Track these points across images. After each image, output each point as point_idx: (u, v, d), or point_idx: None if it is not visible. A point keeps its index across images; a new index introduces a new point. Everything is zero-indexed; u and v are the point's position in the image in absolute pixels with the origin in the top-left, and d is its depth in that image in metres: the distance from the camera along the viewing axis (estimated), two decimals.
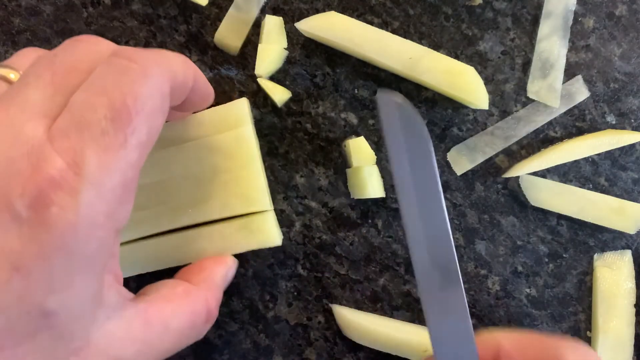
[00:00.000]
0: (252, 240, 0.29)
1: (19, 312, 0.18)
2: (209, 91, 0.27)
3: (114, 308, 0.21)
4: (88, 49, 0.21)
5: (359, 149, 0.31)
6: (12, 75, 0.23)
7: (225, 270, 0.28)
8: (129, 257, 0.30)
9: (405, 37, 0.31)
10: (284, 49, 0.31)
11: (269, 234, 0.29)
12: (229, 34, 0.31)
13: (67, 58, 0.21)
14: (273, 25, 0.31)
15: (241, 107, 0.30)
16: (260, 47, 0.31)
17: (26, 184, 0.18)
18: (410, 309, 0.32)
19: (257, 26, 0.31)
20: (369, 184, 0.30)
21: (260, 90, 0.31)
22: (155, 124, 0.21)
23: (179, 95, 0.23)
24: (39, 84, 0.20)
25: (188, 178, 0.29)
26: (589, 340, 0.31)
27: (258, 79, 0.31)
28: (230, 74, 0.32)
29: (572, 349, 0.21)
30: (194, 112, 0.29)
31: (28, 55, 0.25)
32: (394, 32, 0.31)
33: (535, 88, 0.31)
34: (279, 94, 0.31)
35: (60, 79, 0.20)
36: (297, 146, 0.32)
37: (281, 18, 0.31)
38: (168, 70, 0.22)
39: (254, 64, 0.31)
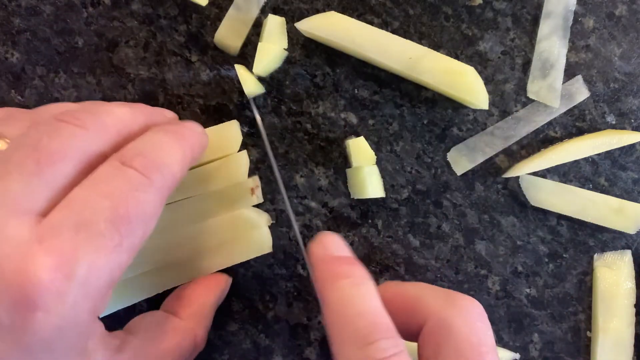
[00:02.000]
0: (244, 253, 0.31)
1: None
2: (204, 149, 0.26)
3: None
4: (73, 133, 0.20)
5: (359, 149, 0.31)
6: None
7: (216, 299, 0.28)
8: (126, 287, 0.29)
9: (405, 37, 0.31)
10: (284, 49, 0.31)
11: (261, 246, 0.31)
12: (229, 34, 0.31)
13: (52, 144, 0.20)
14: (274, 25, 0.31)
15: (241, 159, 0.31)
16: (259, 45, 0.31)
17: (9, 287, 0.17)
18: None
19: (257, 26, 0.31)
20: (369, 184, 0.30)
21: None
22: (151, 227, 0.21)
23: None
24: (22, 173, 0.19)
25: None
26: (589, 340, 0.31)
27: (236, 65, 0.31)
28: (230, 74, 0.31)
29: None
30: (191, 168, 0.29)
31: (14, 120, 0.23)
32: (394, 32, 0.31)
33: (535, 88, 0.31)
34: (251, 86, 0.30)
35: (45, 168, 0.19)
36: (297, 146, 0.32)
37: (283, 18, 0.31)
38: (170, 175, 0.22)
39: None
